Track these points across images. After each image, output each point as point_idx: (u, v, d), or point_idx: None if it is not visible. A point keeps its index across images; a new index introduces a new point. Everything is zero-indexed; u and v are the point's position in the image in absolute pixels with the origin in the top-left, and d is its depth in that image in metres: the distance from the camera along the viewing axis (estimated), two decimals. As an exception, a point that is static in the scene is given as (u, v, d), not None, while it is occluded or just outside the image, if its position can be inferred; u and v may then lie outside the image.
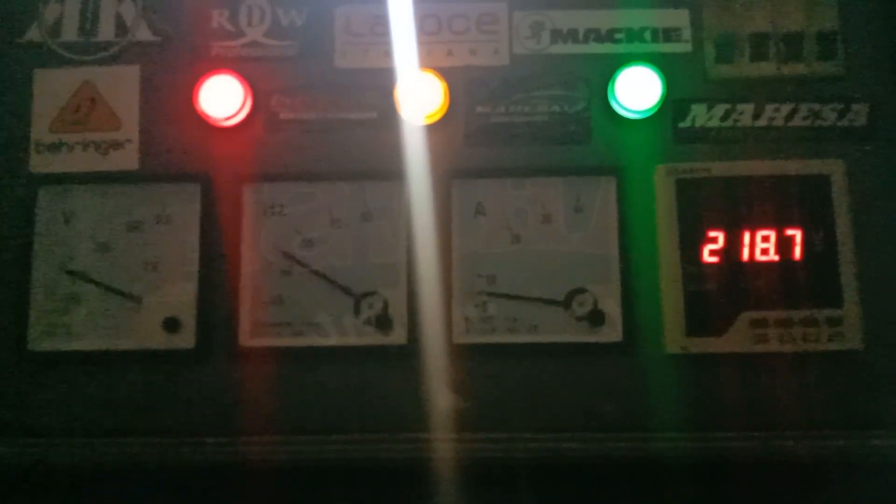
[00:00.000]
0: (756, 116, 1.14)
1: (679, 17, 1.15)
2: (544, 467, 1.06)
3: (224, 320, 1.10)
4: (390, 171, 1.12)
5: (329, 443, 1.07)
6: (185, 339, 1.09)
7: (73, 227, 1.13)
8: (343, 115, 1.15)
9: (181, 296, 1.10)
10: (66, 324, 1.11)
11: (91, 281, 1.11)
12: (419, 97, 1.12)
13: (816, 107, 1.14)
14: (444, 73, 1.13)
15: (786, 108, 1.14)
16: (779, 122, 1.14)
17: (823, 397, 1.07)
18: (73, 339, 1.11)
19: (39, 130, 1.15)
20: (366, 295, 1.11)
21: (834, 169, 1.10)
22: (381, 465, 1.06)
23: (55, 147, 1.14)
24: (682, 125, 1.14)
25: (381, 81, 1.14)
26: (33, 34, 1.17)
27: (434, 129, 1.13)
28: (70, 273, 1.12)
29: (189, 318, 1.10)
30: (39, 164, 1.14)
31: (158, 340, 1.09)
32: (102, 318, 1.11)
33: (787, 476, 1.07)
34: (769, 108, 1.14)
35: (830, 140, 1.13)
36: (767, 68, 1.14)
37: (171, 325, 1.09)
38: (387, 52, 1.15)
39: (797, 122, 1.13)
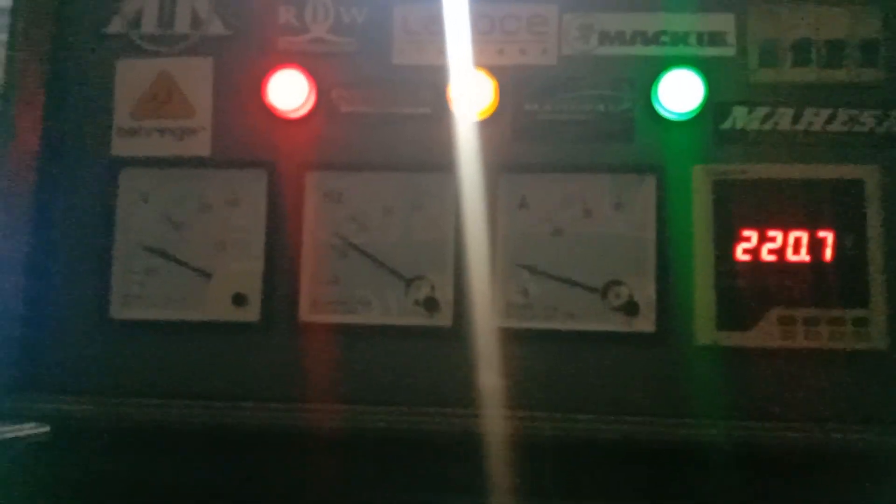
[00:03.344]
0: (795, 120, 1.17)
1: (724, 22, 1.19)
2: (573, 447, 1.14)
3: (286, 297, 1.19)
4: (441, 163, 1.19)
5: (378, 413, 1.16)
6: (251, 314, 1.19)
7: (151, 206, 1.23)
8: (398, 110, 1.22)
9: (248, 273, 1.20)
10: (143, 295, 1.22)
11: (166, 256, 1.22)
12: (471, 94, 1.18)
13: (855, 113, 1.17)
14: (495, 71, 1.19)
15: (825, 113, 1.17)
16: (817, 126, 1.17)
17: (847, 394, 1.12)
18: (149, 309, 1.21)
19: (121, 116, 1.24)
20: (415, 279, 1.19)
21: (869, 174, 1.14)
22: (424, 436, 1.15)
23: (135, 132, 1.24)
24: (722, 127, 1.18)
25: (436, 78, 1.20)
26: (116, 26, 1.27)
27: (484, 125, 1.20)
28: (147, 249, 1.22)
29: (255, 294, 1.19)
30: (121, 147, 1.24)
31: (226, 313, 1.20)
32: (176, 291, 1.21)
33: (808, 467, 1.12)
34: (808, 112, 1.17)
35: (867, 146, 1.16)
36: (808, 74, 1.17)
37: (239, 299, 1.19)
38: (441, 50, 1.21)
39: (835, 127, 1.17)
